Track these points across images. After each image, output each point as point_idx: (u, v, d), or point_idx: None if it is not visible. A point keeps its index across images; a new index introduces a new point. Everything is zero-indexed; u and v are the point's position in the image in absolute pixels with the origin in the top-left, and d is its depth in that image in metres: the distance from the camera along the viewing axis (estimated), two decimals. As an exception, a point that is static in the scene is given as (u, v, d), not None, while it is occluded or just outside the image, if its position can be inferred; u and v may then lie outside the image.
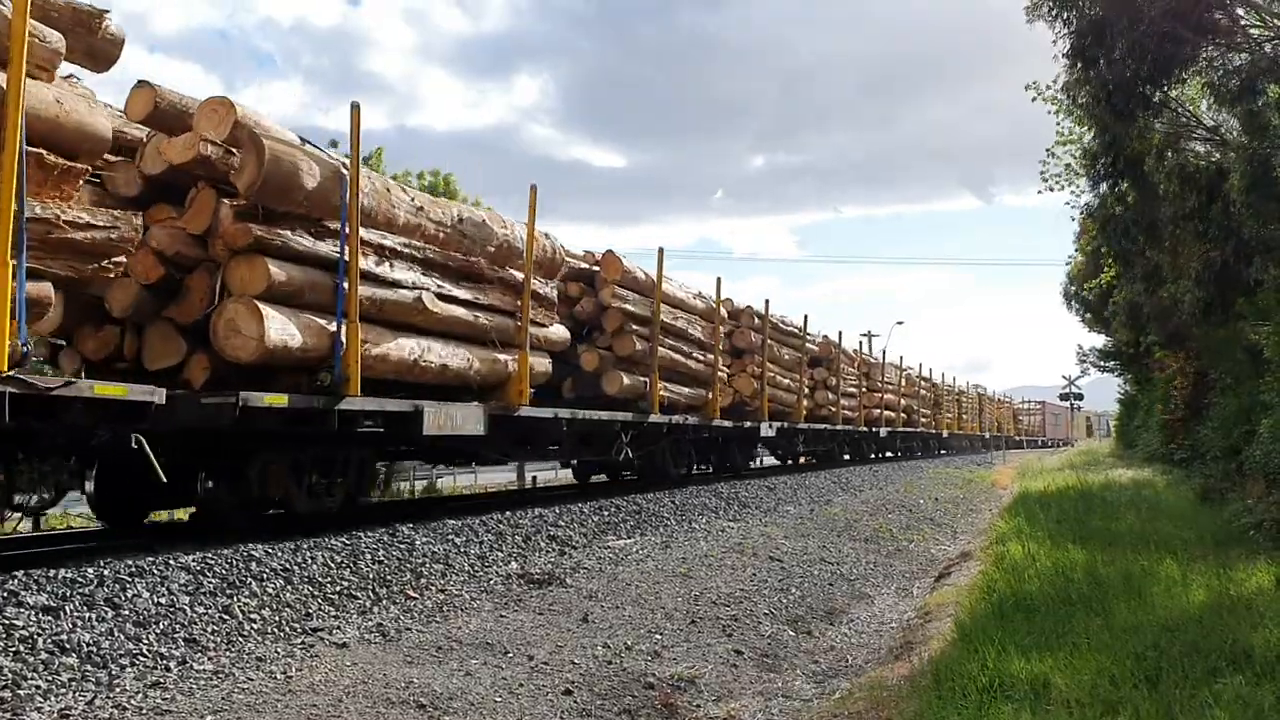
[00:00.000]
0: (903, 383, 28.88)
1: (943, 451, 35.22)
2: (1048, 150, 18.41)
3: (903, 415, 28.40)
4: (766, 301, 17.30)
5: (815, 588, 7.89)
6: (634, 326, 12.50)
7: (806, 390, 19.44)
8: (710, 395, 14.32)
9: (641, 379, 12.44)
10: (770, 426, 16.46)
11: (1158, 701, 3.82)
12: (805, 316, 19.91)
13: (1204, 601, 5.60)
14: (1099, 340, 37.06)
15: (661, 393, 12.67)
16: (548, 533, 8.46)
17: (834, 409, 21.10)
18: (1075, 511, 10.75)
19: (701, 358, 14.27)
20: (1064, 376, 59.31)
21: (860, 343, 28.85)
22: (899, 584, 8.73)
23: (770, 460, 21.05)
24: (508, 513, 8.85)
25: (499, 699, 4.46)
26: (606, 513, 9.78)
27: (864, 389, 24.23)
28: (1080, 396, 63.44)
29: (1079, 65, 9.96)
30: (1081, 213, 19.35)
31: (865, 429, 23.97)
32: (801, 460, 21.56)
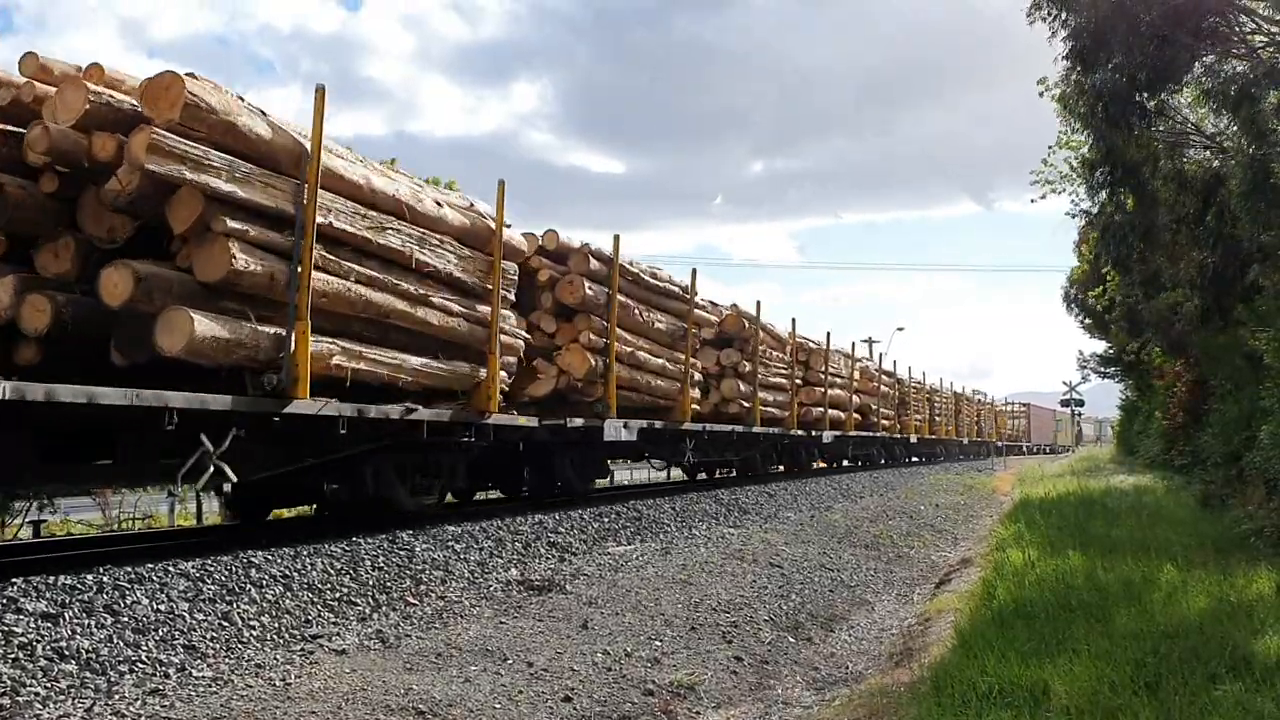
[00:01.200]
0: (856, 376, 23.32)
1: (912, 460, 30.57)
2: (1043, 160, 18.43)
3: (855, 416, 22.88)
4: (616, 238, 11.49)
5: (816, 594, 7.88)
6: (238, 225, 6.36)
7: (699, 377, 14.25)
8: (485, 373, 8.80)
9: (268, 330, 6.57)
10: (625, 427, 11.28)
11: (1158, 708, 3.82)
12: (694, 271, 13.95)
13: (1204, 608, 5.59)
14: (1100, 346, 37.13)
15: (339, 361, 7.09)
16: (548, 539, 8.46)
17: (748, 404, 15.93)
18: (1076, 518, 10.75)
19: (462, 308, 8.59)
20: (1065, 382, 59.27)
21: (788, 329, 19.88)
22: (899, 590, 8.73)
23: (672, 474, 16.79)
24: (507, 519, 8.84)
25: (498, 706, 4.45)
26: (606, 519, 9.77)
27: (799, 380, 19.05)
28: (1081, 402, 63.34)
29: (1077, 69, 9.97)
30: (1082, 219, 19.43)
31: (801, 432, 18.78)
32: (717, 475, 17.24)
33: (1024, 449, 55.39)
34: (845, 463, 23.87)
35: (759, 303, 16.59)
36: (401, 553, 6.98)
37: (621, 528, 9.66)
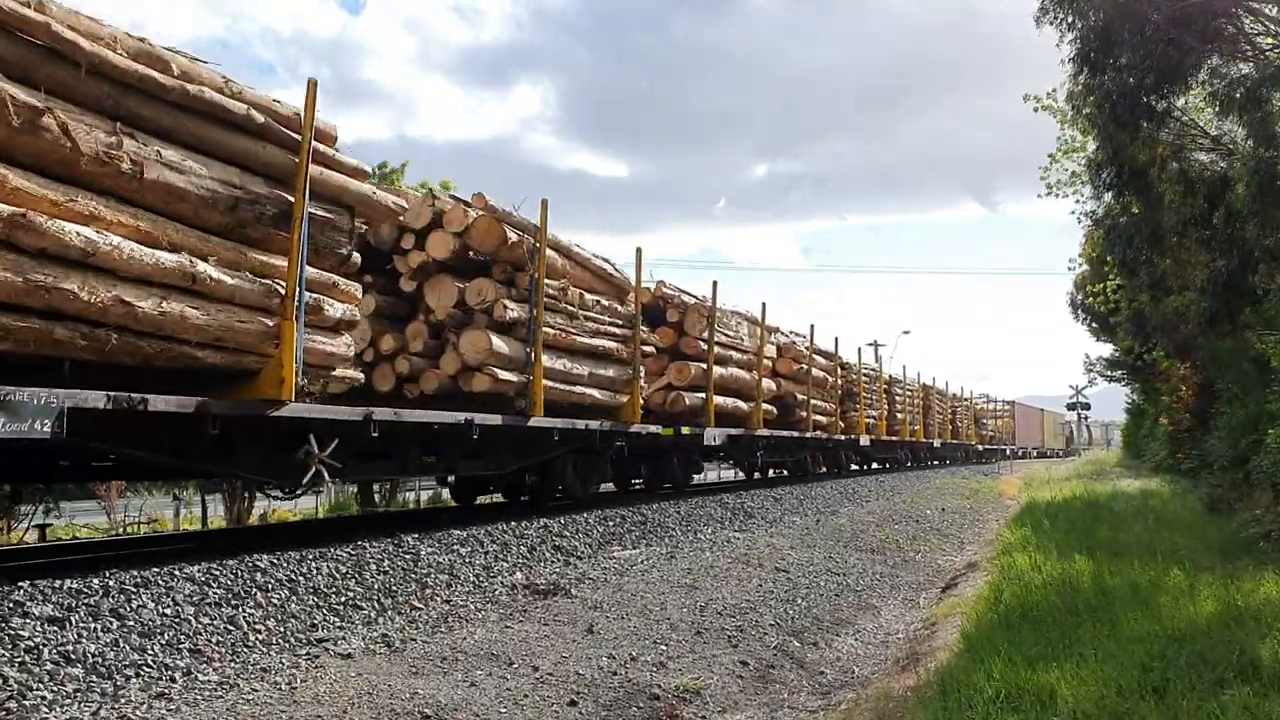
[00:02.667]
0: (771, 353, 17.02)
1: (868, 466, 25.10)
2: (1050, 155, 18.48)
3: (768, 408, 16.27)
4: None
5: (821, 598, 7.86)
6: None
7: (349, 312, 7.16)
8: None
9: None
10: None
11: (1164, 713, 3.81)
12: (311, 83, 6.65)
13: (1211, 612, 5.58)
14: (1106, 349, 37.09)
15: None
16: (553, 543, 8.45)
17: (518, 377, 9.26)
18: (1082, 522, 10.73)
19: None
20: (1071, 386, 58.93)
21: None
22: (905, 595, 8.70)
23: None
24: (513, 523, 8.83)
25: (503, 710, 4.45)
26: (612, 523, 9.76)
27: (650, 349, 12.53)
28: (1088, 406, 63.06)
29: (1084, 71, 9.98)
30: (1087, 220, 19.43)
31: (656, 429, 11.85)
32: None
33: (1008, 452, 46.75)
34: (770, 473, 18.90)
35: (545, 201, 9.71)
36: (407, 556, 6.98)
37: (627, 531, 9.65)
